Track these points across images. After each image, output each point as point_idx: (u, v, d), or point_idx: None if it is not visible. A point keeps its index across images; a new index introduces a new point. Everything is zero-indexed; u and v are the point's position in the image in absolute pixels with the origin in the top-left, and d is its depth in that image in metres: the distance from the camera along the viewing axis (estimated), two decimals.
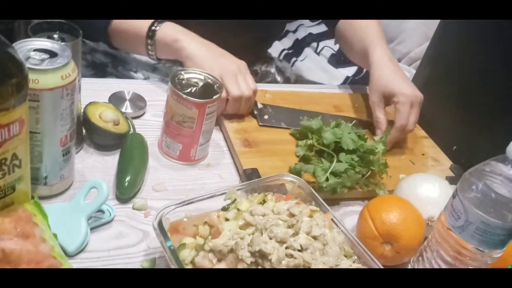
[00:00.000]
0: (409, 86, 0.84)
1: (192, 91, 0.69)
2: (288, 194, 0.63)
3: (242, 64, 0.82)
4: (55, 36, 0.61)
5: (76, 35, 0.62)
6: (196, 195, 0.60)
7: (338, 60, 1.55)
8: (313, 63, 1.60)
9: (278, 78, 1.14)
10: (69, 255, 0.56)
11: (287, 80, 1.15)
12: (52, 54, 0.54)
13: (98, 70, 0.99)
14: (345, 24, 0.99)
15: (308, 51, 1.62)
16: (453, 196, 0.55)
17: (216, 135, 0.79)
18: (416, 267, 0.61)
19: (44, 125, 0.56)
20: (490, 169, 0.53)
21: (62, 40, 0.61)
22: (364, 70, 1.54)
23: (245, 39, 0.95)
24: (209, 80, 0.71)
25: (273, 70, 1.13)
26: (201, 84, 0.70)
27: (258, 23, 0.90)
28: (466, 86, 0.89)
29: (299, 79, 1.42)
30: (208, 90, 0.70)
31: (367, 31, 0.92)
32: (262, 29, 0.99)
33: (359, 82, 1.48)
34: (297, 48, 1.64)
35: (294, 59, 1.59)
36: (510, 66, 0.79)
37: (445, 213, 0.56)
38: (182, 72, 0.71)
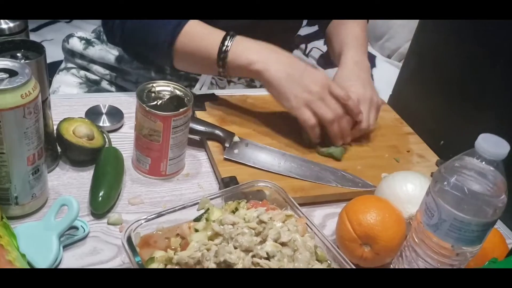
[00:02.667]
0: (364, 88, 0.83)
1: (158, 103, 0.68)
2: (264, 200, 0.62)
3: (324, 78, 0.77)
4: (19, 54, 0.61)
5: (40, 52, 0.61)
6: (170, 206, 0.59)
7: (327, 61, 1.54)
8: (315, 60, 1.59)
9: None
10: None
11: None
12: (12, 73, 0.54)
13: (92, 86, 1.00)
14: (331, 27, 1.00)
15: (296, 53, 1.61)
16: (427, 194, 0.54)
17: (194, 143, 0.79)
18: (396, 267, 0.60)
19: (9, 145, 0.55)
20: (461, 164, 0.51)
21: (26, 58, 0.61)
22: None
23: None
24: (178, 92, 0.70)
25: None
26: (167, 97, 0.69)
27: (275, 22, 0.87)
28: (452, 80, 0.88)
29: None
30: (177, 102, 0.69)
31: (347, 34, 0.93)
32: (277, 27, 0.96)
33: None
34: (286, 50, 1.63)
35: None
36: (496, 58, 0.77)
37: (420, 211, 0.55)
38: (153, 85, 0.70)
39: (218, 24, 0.80)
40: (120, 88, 0.97)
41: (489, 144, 0.48)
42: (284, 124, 0.84)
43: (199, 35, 0.79)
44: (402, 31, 1.52)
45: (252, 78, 0.78)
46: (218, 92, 0.91)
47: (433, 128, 0.91)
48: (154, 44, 0.80)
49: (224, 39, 0.77)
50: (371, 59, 1.54)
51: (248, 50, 0.77)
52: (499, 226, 0.74)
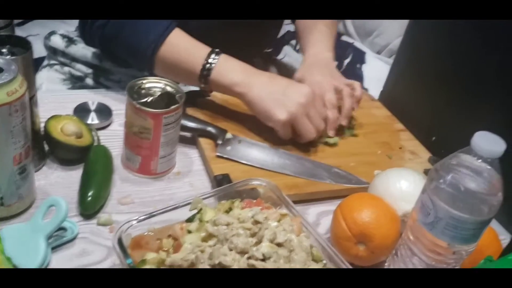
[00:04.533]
0: (320, 75, 0.85)
1: (149, 100, 0.66)
2: (258, 199, 0.61)
3: (308, 89, 0.76)
4: (4, 50, 0.59)
5: (26, 48, 0.60)
6: (162, 206, 0.58)
7: None
8: (293, 61, 1.58)
9: None
10: None
11: None
12: None
13: (76, 83, 0.97)
14: (300, 23, 1.00)
15: (287, 49, 1.60)
16: (422, 192, 0.54)
17: (186, 141, 0.77)
18: (391, 266, 0.59)
19: None
20: (457, 162, 0.51)
21: (12, 54, 0.59)
22: (344, 65, 1.53)
23: (243, 37, 0.92)
24: (169, 89, 0.69)
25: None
26: (159, 93, 0.68)
27: (258, 22, 0.88)
28: (443, 76, 0.88)
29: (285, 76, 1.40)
30: (168, 99, 0.67)
31: (313, 31, 0.95)
32: (260, 28, 0.97)
33: None
34: (276, 46, 1.62)
35: (273, 57, 1.57)
36: (487, 52, 0.77)
37: (416, 209, 0.54)
38: (143, 81, 0.69)
39: (193, 22, 0.79)
40: (104, 87, 0.95)
41: (485, 142, 0.48)
42: None
43: (183, 47, 0.78)
44: (392, 27, 1.52)
45: (234, 97, 0.78)
46: None
47: (424, 125, 0.90)
48: (135, 50, 0.79)
49: (209, 56, 0.76)
50: (361, 55, 1.54)
51: (231, 70, 0.76)
52: (491, 222, 0.74)
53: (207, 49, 0.77)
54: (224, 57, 0.77)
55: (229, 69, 0.77)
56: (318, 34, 0.95)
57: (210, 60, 0.76)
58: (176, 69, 0.78)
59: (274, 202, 0.61)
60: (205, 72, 0.76)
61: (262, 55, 1.16)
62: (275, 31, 1.08)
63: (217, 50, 0.77)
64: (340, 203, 0.64)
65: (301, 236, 0.53)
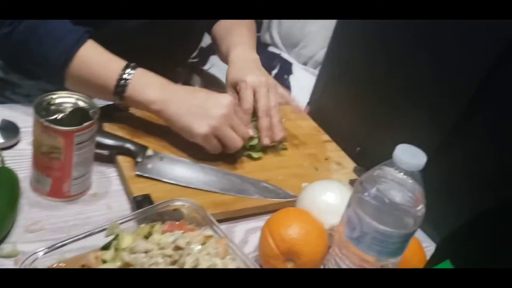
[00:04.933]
0: (257, 75, 0.84)
1: (59, 117, 0.61)
2: (182, 221, 0.58)
3: (228, 100, 0.74)
4: None
5: None
6: (77, 232, 0.53)
7: None
8: (221, 71, 1.56)
9: None
10: None
11: None
12: None
13: None
14: (218, 30, 1.00)
15: (214, 58, 1.58)
16: (348, 206, 0.53)
17: (103, 159, 0.72)
18: None
19: None
20: (380, 175, 0.51)
21: None
22: (274, 72, 1.53)
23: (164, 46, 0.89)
24: (81, 104, 0.63)
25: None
26: (70, 109, 0.62)
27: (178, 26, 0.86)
28: (365, 85, 0.89)
29: (208, 88, 1.38)
30: (81, 115, 0.62)
31: (233, 34, 0.94)
32: (180, 34, 0.94)
33: None
34: (203, 56, 1.59)
35: (199, 68, 1.54)
36: (407, 63, 0.79)
37: (342, 224, 0.54)
38: (53, 96, 0.63)
39: (109, 29, 0.76)
40: (10, 102, 0.87)
41: (407, 155, 0.48)
42: None
43: (95, 60, 0.73)
44: (317, 39, 1.54)
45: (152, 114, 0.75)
46: None
47: (349, 135, 0.91)
48: (43, 63, 0.73)
49: (124, 70, 0.72)
50: (288, 66, 1.55)
51: (148, 87, 0.72)
52: None
53: (122, 63, 0.73)
54: (140, 71, 0.73)
55: (145, 85, 0.72)
56: (240, 36, 0.94)
57: (125, 76, 0.71)
58: (88, 84, 0.73)
59: (198, 223, 0.58)
60: (120, 88, 0.71)
61: (187, 65, 1.12)
62: (196, 38, 1.05)
63: (133, 64, 0.73)
64: (268, 220, 0.62)
65: (227, 259, 0.50)
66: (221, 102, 0.73)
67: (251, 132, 0.81)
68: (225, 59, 0.93)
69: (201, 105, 0.72)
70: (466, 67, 0.67)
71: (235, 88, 0.85)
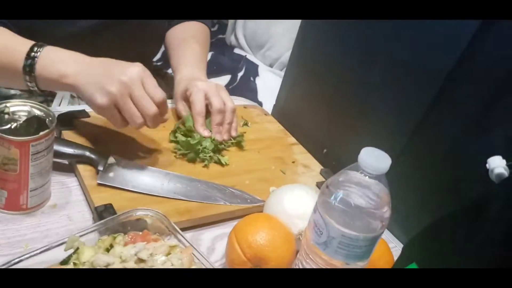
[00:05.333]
0: (203, 81, 0.87)
1: (13, 127, 0.58)
2: (145, 231, 0.56)
3: (139, 70, 0.67)
4: None
5: None
6: (36, 246, 0.50)
7: (211, 69, 1.51)
8: None
9: None
10: None
11: None
12: None
13: None
14: (172, 40, 1.00)
15: None
16: (314, 211, 0.52)
17: (62, 168, 0.69)
18: None
19: None
20: (346, 179, 0.51)
21: None
22: (238, 78, 1.52)
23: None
24: (37, 112, 0.61)
25: None
26: (24, 118, 0.60)
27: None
28: (330, 87, 0.89)
29: (170, 92, 1.36)
30: (37, 124, 0.59)
31: (186, 51, 0.95)
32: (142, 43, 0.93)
33: (234, 91, 1.45)
34: (166, 59, 1.57)
35: (164, 71, 1.51)
36: (369, 65, 0.80)
37: (309, 229, 0.53)
38: (7, 105, 0.60)
39: (63, 24, 0.73)
40: None
41: (371, 158, 0.48)
42: (164, 141, 0.79)
43: (2, 45, 0.70)
44: (282, 40, 1.55)
45: (65, 90, 0.71)
46: (89, 109, 0.82)
47: (315, 138, 0.91)
48: None
49: (31, 50, 0.68)
50: (254, 68, 1.54)
51: (58, 62, 0.68)
52: None
53: (29, 43, 0.69)
54: (48, 48, 0.69)
55: (55, 60, 0.68)
56: (191, 53, 0.94)
57: (32, 54, 0.68)
58: None
59: (163, 232, 0.56)
60: (28, 68, 0.68)
61: (150, 68, 1.09)
62: (155, 41, 1.03)
63: (40, 43, 0.69)
64: (235, 226, 0.61)
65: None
66: (126, 69, 0.67)
67: (206, 132, 0.81)
68: (173, 72, 0.94)
69: (106, 73, 0.67)
70: (427, 69, 0.68)
71: (185, 97, 0.86)
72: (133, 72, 0.67)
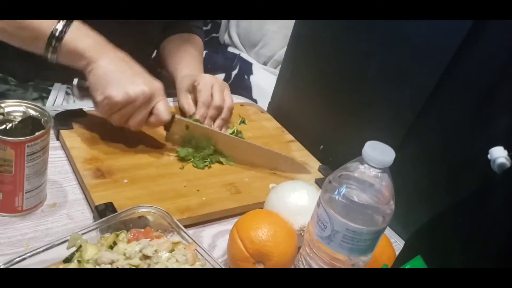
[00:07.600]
0: (209, 75, 0.90)
1: (8, 127, 0.57)
2: (147, 228, 0.56)
3: (155, 88, 0.71)
4: None
5: None
6: (36, 245, 0.50)
7: (205, 68, 1.50)
8: None
9: None
10: None
11: None
12: None
13: None
14: (168, 46, 1.01)
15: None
16: (317, 205, 0.53)
17: (62, 166, 0.69)
18: None
19: None
20: (349, 173, 0.51)
21: None
22: (232, 76, 1.52)
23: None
24: (32, 113, 0.60)
25: None
26: (19, 118, 0.59)
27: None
28: (325, 84, 0.90)
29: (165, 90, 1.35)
30: (32, 125, 0.58)
31: (183, 55, 0.97)
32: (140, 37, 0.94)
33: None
34: (159, 58, 1.56)
35: (158, 70, 1.51)
36: (364, 62, 0.80)
37: (312, 223, 0.53)
38: (2, 105, 0.59)
39: None
40: None
41: (376, 151, 0.48)
42: (162, 139, 0.78)
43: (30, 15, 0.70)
44: (276, 38, 1.54)
45: (78, 67, 0.71)
46: (86, 107, 0.81)
47: (312, 134, 0.92)
48: None
49: (58, 21, 0.69)
50: (248, 66, 1.54)
51: (86, 36, 0.71)
52: None
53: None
54: (78, 22, 0.71)
55: (84, 34, 0.71)
56: (189, 55, 0.97)
57: (62, 22, 0.69)
58: (18, 30, 0.69)
59: (165, 229, 0.56)
60: (59, 34, 0.68)
61: (146, 65, 1.08)
62: (150, 41, 1.03)
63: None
64: (236, 222, 0.61)
65: (196, 265, 0.48)
66: (151, 83, 0.71)
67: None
68: (170, 76, 0.96)
69: (130, 74, 0.70)
70: (423, 64, 0.69)
71: (191, 90, 0.88)
72: (153, 89, 0.71)
